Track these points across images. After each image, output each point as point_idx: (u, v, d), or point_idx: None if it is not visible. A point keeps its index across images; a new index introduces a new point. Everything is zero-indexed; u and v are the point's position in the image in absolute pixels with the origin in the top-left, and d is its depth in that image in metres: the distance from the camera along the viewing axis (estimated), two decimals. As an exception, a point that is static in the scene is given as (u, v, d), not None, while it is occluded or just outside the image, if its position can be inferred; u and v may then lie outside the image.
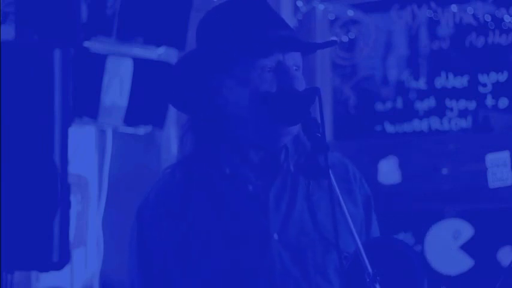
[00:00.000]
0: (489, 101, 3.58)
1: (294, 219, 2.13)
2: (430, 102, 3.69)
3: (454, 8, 3.65)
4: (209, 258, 2.09)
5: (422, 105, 3.70)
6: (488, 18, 3.59)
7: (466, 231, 3.58)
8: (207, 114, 2.16)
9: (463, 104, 3.63)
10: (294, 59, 2.11)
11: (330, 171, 1.97)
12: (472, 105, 3.62)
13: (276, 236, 2.10)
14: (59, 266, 1.67)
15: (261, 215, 2.11)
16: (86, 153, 3.63)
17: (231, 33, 2.11)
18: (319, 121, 1.99)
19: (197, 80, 2.15)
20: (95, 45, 3.26)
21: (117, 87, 3.33)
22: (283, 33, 2.11)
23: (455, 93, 3.64)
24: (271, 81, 2.08)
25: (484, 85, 3.59)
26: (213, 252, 2.09)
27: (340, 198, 1.96)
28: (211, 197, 2.13)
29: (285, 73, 2.08)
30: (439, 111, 3.67)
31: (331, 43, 2.16)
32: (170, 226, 2.13)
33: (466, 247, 3.56)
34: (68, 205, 1.67)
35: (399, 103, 3.75)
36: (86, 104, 3.25)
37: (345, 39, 3.84)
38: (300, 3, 3.85)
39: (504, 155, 3.49)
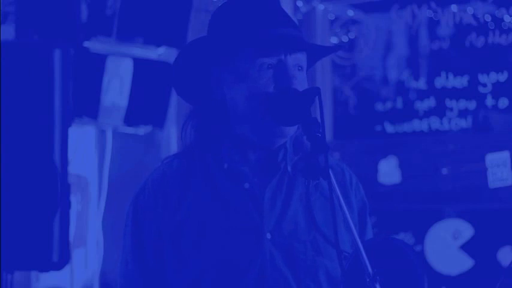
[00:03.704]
0: (489, 101, 3.58)
1: (288, 220, 2.12)
2: (430, 102, 3.69)
3: (454, 8, 3.65)
4: (201, 250, 2.09)
5: (422, 105, 3.70)
6: (488, 18, 3.59)
7: (466, 231, 3.58)
8: (208, 107, 2.16)
9: (463, 104, 3.63)
10: (297, 59, 2.10)
11: (330, 171, 1.97)
12: (472, 105, 3.62)
13: (268, 236, 2.10)
14: (59, 266, 1.67)
15: (255, 214, 2.10)
16: (86, 153, 3.63)
17: (235, 27, 2.11)
18: (319, 121, 1.99)
19: (198, 71, 2.15)
20: (95, 45, 3.26)
21: (117, 87, 3.33)
22: (286, 31, 2.10)
23: (455, 93, 3.64)
24: (268, 79, 2.07)
25: (484, 85, 3.59)
26: (205, 245, 2.09)
27: (341, 198, 1.96)
28: (208, 189, 2.13)
29: (284, 72, 2.07)
30: (439, 111, 3.67)
31: (334, 48, 2.14)
32: (165, 213, 2.13)
33: (466, 247, 3.56)
34: (68, 205, 1.67)
35: (399, 103, 3.75)
36: (86, 104, 3.25)
37: (345, 39, 3.84)
38: (300, 3, 3.85)
39: (504, 155, 3.49)
